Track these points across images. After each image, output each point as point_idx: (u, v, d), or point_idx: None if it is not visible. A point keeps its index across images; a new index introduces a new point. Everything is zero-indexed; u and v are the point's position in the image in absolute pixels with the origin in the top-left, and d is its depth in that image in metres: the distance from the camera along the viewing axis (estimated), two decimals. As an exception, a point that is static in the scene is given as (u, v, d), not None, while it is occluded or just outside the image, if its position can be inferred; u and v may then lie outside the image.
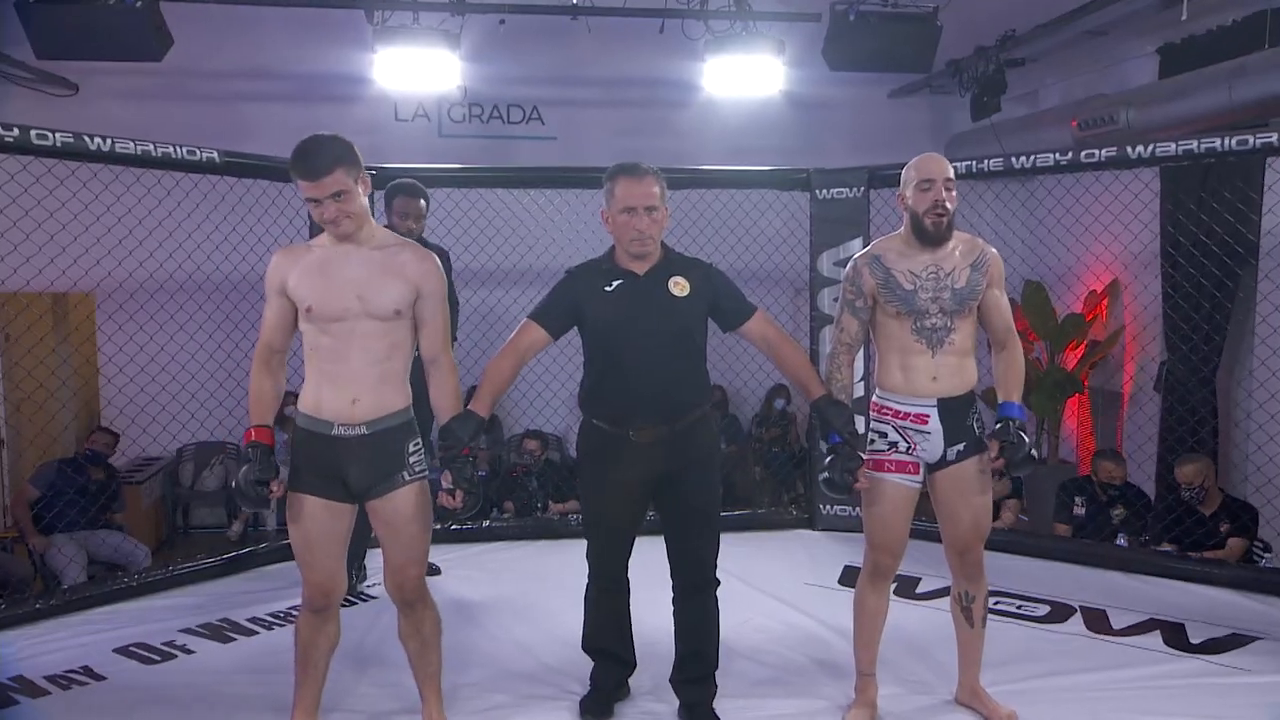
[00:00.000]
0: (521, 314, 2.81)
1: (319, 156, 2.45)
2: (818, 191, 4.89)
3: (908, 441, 2.81)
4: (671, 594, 2.91)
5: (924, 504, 2.92)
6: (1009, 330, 2.89)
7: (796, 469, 7.15)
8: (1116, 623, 3.65)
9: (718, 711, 2.89)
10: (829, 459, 2.74)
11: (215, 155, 4.10)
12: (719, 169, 5.37)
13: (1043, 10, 5.98)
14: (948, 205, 2.74)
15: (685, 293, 2.73)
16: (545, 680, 3.19)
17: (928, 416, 2.78)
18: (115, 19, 4.77)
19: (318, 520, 2.58)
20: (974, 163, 4.48)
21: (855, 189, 4.83)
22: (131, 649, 3.40)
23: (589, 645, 3.01)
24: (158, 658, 3.34)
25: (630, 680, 3.05)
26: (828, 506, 4.96)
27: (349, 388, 2.54)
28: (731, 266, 6.85)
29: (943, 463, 2.82)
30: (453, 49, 5.22)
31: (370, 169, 4.61)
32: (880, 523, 2.87)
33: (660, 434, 2.72)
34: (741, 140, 7.06)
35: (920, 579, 4.09)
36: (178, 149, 3.98)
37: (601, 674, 2.99)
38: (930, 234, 2.76)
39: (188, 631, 3.57)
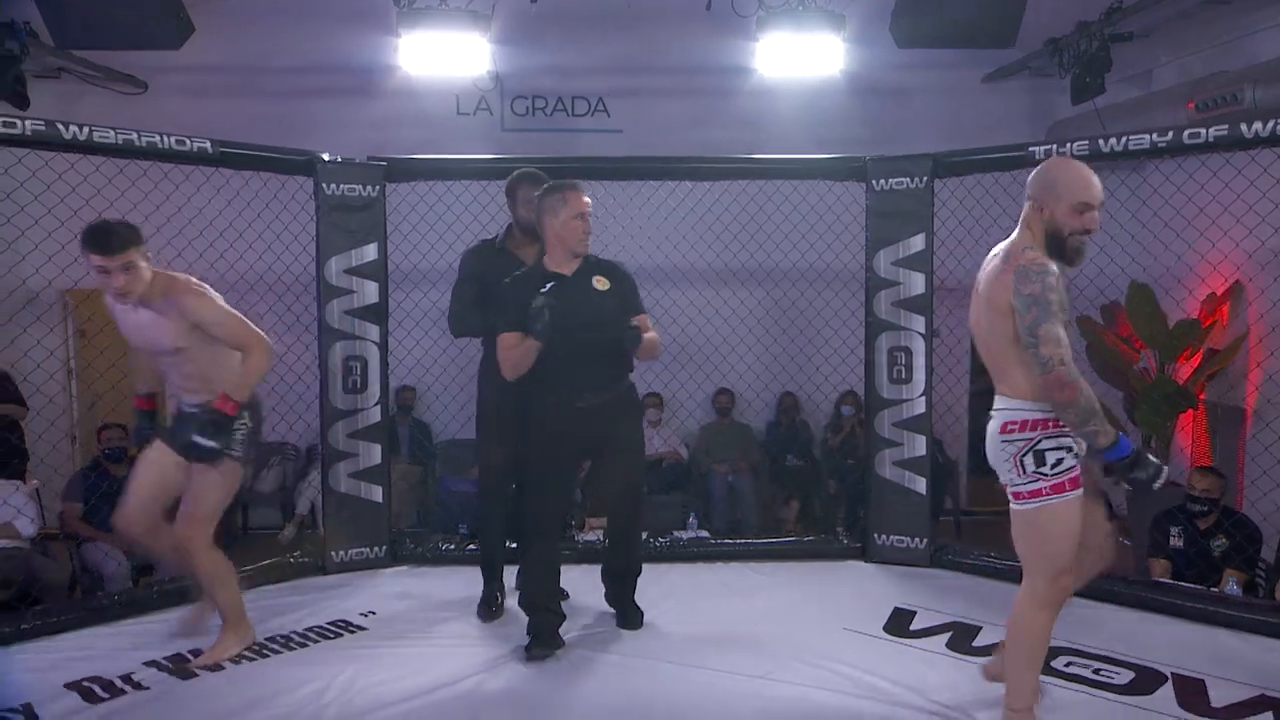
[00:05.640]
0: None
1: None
2: (874, 182, 4.32)
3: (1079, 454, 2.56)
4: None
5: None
6: None
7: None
8: (1216, 697, 3.00)
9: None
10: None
11: (208, 145, 3.83)
12: (765, 158, 4.85)
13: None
14: None
15: (606, 287, 3.33)
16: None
17: None
18: (132, 6, 4.58)
19: None
20: (1100, 141, 3.86)
21: (917, 179, 4.25)
22: (84, 683, 3.11)
23: (532, 602, 3.39)
24: (106, 695, 3.05)
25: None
26: (883, 536, 4.40)
27: None
28: (777, 265, 6.43)
29: None
30: (482, 32, 4.86)
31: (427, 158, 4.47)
32: (1074, 543, 2.56)
33: (605, 399, 3.34)
34: (816, 130, 6.50)
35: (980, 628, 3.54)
36: (165, 139, 3.72)
37: (543, 625, 3.35)
38: (1071, 259, 2.54)
39: (151, 665, 3.27)
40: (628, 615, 3.62)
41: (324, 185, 4.21)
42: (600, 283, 3.31)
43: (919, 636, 3.54)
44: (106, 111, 6.01)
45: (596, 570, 3.73)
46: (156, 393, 3.43)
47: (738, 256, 6.12)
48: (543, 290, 3.21)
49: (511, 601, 3.76)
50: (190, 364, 3.15)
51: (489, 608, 3.76)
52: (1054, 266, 2.47)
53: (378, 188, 4.29)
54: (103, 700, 3.01)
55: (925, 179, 4.25)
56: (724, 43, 6.23)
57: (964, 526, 6.85)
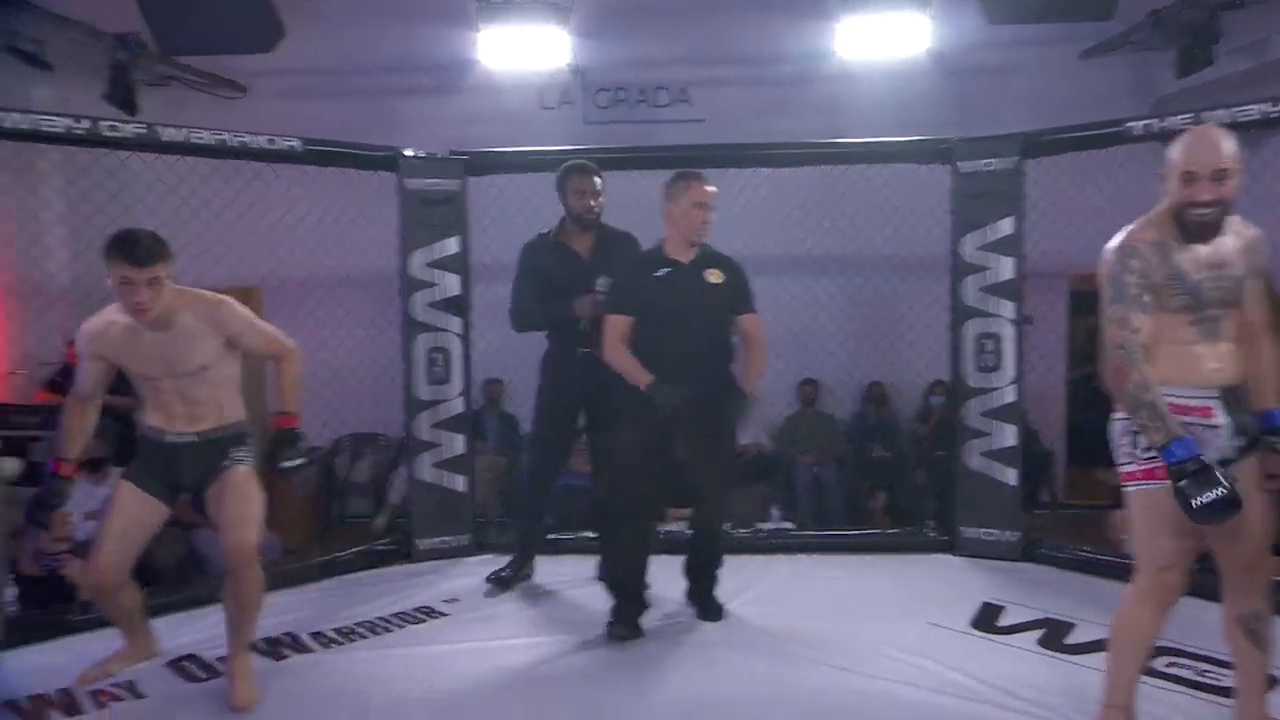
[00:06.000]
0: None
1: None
2: (961, 164, 4.20)
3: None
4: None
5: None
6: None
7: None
8: (1331, 703, 2.84)
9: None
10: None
11: (296, 144, 3.94)
12: (848, 141, 4.74)
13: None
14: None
15: (719, 281, 3.37)
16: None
17: (1212, 410, 2.38)
18: (225, 9, 4.74)
19: None
20: (1203, 114, 3.65)
21: (1006, 159, 4.11)
22: (183, 663, 3.25)
23: (618, 583, 3.44)
24: (204, 675, 3.17)
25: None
26: (971, 528, 4.28)
27: None
28: (861, 251, 6.28)
29: (1223, 461, 2.34)
30: (561, 24, 4.88)
31: (507, 151, 4.56)
32: (1172, 537, 2.40)
33: (685, 397, 3.25)
34: (901, 114, 6.29)
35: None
36: (255, 138, 3.84)
37: (627, 607, 3.40)
38: (1192, 233, 2.34)
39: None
40: (708, 608, 3.61)
41: (406, 180, 4.29)
42: (714, 275, 3.35)
43: (1008, 633, 3.44)
44: (208, 115, 6.21)
45: (676, 561, 3.72)
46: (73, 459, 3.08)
47: (821, 243, 6.02)
48: (655, 274, 3.32)
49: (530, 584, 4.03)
50: (206, 385, 3.00)
51: (495, 578, 3.97)
52: (1144, 249, 2.35)
53: (459, 182, 4.35)
54: (199, 680, 3.14)
55: (1015, 159, 4.10)
56: (805, 25, 6.11)
57: (1061, 520, 6.62)
